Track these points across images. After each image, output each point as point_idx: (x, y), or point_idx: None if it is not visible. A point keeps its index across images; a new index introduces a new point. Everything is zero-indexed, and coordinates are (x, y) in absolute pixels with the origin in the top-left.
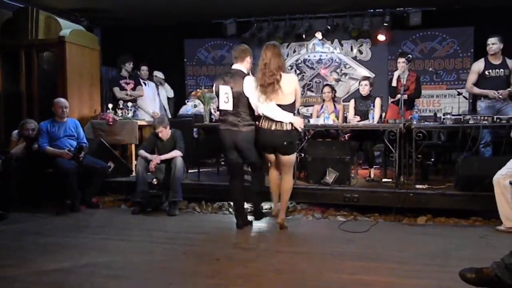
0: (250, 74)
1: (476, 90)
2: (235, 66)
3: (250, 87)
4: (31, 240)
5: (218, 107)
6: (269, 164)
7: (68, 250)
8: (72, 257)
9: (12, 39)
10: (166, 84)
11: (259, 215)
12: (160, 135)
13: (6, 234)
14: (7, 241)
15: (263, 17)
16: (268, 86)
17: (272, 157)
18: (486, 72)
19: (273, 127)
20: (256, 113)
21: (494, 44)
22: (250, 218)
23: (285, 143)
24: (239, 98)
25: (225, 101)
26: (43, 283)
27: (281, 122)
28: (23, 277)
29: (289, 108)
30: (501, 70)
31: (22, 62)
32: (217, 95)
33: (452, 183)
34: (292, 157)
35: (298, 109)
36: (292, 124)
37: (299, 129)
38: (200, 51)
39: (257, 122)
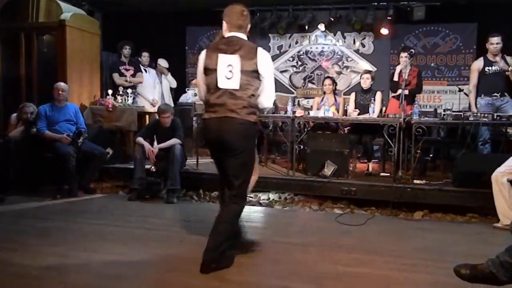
0: None
1: (471, 98)
2: (239, 35)
3: (271, 66)
4: (28, 223)
5: (214, 85)
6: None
7: (65, 235)
8: (68, 241)
9: (13, 22)
10: (169, 74)
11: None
12: (163, 121)
13: (3, 217)
14: (4, 224)
15: (266, 7)
16: None
17: None
18: (486, 69)
19: None
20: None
21: (498, 43)
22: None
23: None
24: (249, 76)
25: (228, 77)
26: (39, 267)
27: None
28: (19, 260)
29: None
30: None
31: (22, 45)
32: (207, 69)
33: (450, 179)
34: None
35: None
36: None
37: None
38: (202, 40)
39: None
